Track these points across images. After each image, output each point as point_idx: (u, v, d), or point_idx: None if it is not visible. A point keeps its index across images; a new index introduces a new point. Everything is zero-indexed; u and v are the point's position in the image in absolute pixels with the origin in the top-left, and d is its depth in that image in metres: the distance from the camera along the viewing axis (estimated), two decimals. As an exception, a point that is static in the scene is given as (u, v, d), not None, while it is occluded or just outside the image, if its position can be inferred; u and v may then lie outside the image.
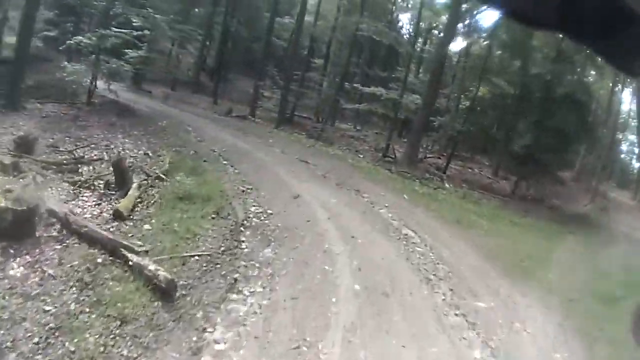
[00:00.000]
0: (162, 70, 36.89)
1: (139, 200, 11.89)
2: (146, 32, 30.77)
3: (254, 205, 13.31)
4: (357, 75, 34.40)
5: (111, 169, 13.95)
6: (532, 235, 17.22)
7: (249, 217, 12.27)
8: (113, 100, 24.93)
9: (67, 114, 22.27)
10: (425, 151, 28.62)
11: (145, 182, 13.27)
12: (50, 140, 18.50)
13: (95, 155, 17.05)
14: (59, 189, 13.78)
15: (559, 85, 23.97)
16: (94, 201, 12.76)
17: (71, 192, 13.57)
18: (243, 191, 14.41)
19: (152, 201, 12.01)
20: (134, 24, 29.34)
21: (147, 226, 10.61)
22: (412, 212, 16.02)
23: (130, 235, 10.16)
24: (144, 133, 20.01)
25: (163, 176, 13.75)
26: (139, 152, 17.40)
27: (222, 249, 9.90)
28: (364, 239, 12.09)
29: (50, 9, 32.90)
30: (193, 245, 9.69)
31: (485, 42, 31.30)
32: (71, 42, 24.26)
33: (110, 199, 12.63)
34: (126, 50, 30.63)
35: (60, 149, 17.54)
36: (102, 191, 13.01)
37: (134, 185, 12.51)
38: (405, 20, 41.19)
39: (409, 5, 38.97)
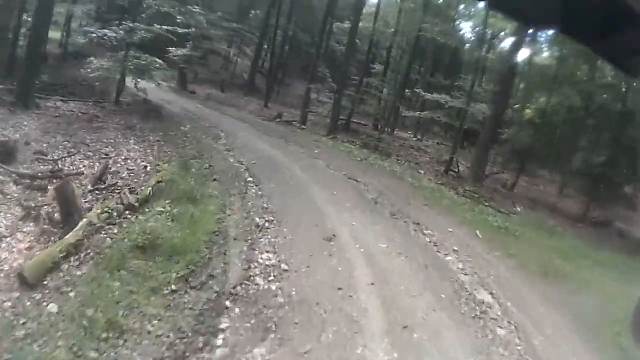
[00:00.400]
0: (215, 71, 33.16)
1: (73, 250, 7.13)
2: (191, 30, 27.19)
3: (265, 252, 8.49)
4: (418, 82, 31.70)
5: (76, 191, 9.40)
6: (624, 282, 11.09)
7: (248, 279, 7.37)
8: (144, 100, 20.97)
9: (86, 113, 18.41)
10: (490, 165, 23.16)
11: (107, 213, 8.57)
12: (45, 144, 14.58)
13: (83, 167, 12.78)
14: (8, 215, 9.56)
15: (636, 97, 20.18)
16: (28, 241, 8.33)
17: (17, 221, 9.29)
18: (258, 226, 9.61)
19: (92, 254, 7.26)
20: (177, 20, 25.80)
21: (52, 307, 5.88)
22: (488, 260, 10.48)
23: (11, 326, 5.41)
24: (160, 139, 15.74)
25: (136, 205, 9.01)
26: (140, 165, 13.06)
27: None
28: (424, 328, 6.89)
29: (97, 5, 29.91)
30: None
31: (550, 50, 27.39)
32: (94, 34, 20.52)
33: (48, 239, 8.12)
34: (169, 48, 27.19)
35: (48, 157, 13.38)
36: (44, 226, 8.49)
37: (82, 223, 7.88)
38: (467, 29, 36.35)
39: (471, 13, 33.50)
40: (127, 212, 9.31)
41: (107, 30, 19.75)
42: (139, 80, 20.28)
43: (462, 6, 31.75)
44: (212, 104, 24.51)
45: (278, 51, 34.41)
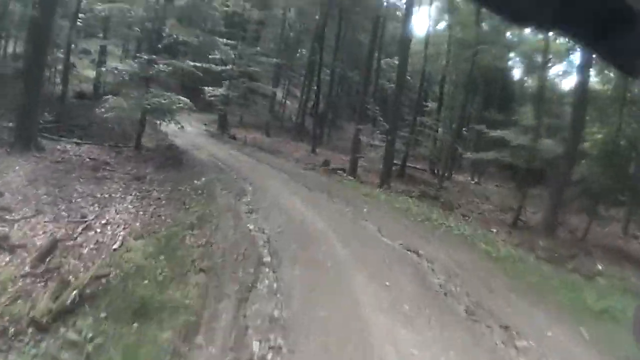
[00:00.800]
0: (262, 114, 29.74)
1: None
2: (227, 67, 23.93)
3: None
4: (472, 118, 28.12)
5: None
6: None
7: None
8: (169, 146, 17.47)
9: (96, 159, 15.05)
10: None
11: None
12: (20, 197, 11.05)
13: (43, 233, 8.94)
14: None
15: None
16: None
17: None
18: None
19: None
20: (212, 56, 22.61)
21: None
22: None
23: None
24: (165, 195, 11.97)
25: (44, 322, 4.89)
26: (117, 235, 8.96)
27: None
28: None
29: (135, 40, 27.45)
30: None
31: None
32: (102, 69, 17.49)
33: None
34: (205, 88, 23.98)
35: (11, 215, 9.70)
36: None
37: None
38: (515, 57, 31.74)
39: (519, 40, 29.02)
40: (29, 329, 5.15)
41: (119, 65, 16.51)
42: (158, 122, 16.73)
43: (508, 33, 27.25)
44: (250, 150, 20.76)
45: (326, 91, 30.46)
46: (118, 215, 10.47)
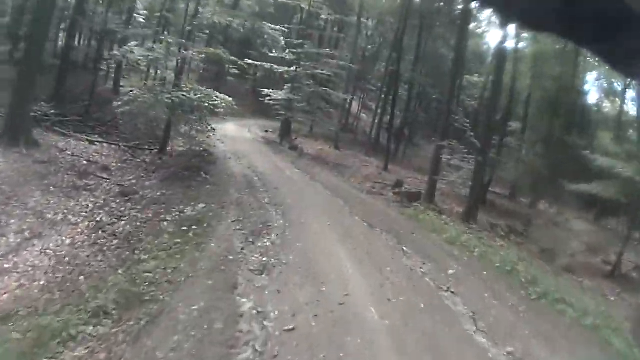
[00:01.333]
0: (330, 124, 24.60)
1: None
2: (293, 69, 19.14)
3: None
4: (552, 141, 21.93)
5: None
6: None
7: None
8: (202, 152, 12.87)
9: (94, 163, 10.72)
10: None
11: None
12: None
13: None
14: None
15: None
16: None
17: None
18: None
19: None
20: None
21: None
22: None
23: None
24: (130, 229, 7.06)
25: None
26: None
27: None
28: None
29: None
30: None
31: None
32: (116, 53, 13.28)
33: None
34: (264, 90, 19.30)
35: None
36: None
37: None
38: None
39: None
40: None
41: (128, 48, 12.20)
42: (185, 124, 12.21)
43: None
44: (307, 163, 15.61)
45: (403, 106, 25.61)
46: (36, 257, 5.69)
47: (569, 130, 21.64)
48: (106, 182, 9.58)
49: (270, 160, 14.40)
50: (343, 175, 16.07)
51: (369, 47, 31.97)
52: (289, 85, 19.19)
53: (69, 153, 10.97)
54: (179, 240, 6.28)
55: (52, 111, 13.48)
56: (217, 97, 12.40)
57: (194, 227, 6.86)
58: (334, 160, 19.04)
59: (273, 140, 19.35)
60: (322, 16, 23.69)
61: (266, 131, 21.83)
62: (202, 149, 13.17)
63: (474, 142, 15.89)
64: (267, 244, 6.79)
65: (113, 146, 12.43)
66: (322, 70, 20.44)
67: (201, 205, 7.97)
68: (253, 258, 6.20)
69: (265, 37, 21.51)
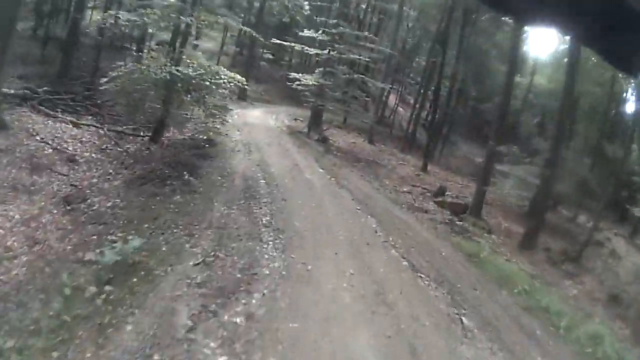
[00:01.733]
0: (365, 115, 21.19)
1: None
2: (326, 51, 15.77)
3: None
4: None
5: None
6: None
7: None
8: (202, 143, 9.81)
9: (61, 152, 7.58)
10: None
11: None
12: None
13: None
14: None
15: None
16: None
17: None
18: None
19: None
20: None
21: None
22: None
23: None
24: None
25: None
26: None
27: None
28: None
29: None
30: None
31: None
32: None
33: None
34: (292, 74, 16.05)
35: None
36: None
37: None
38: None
39: None
40: None
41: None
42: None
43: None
44: (335, 161, 12.35)
45: (443, 101, 21.98)
46: None
47: (611, 140, 19.91)
48: (61, 179, 6.71)
49: (290, 155, 11.19)
50: (376, 176, 12.81)
51: (409, 39, 28.05)
52: (320, 69, 15.87)
53: (39, 138, 8.17)
54: (75, 314, 3.26)
55: (44, 88, 10.84)
56: (225, 75, 9.30)
57: (120, 280, 3.82)
58: (367, 156, 15.76)
59: (300, 130, 16.14)
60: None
61: (295, 119, 18.64)
62: (206, 137, 10.16)
63: (536, 150, 12.41)
64: (239, 321, 3.65)
65: (100, 131, 9.59)
66: (359, 55, 16.98)
67: (158, 232, 4.91)
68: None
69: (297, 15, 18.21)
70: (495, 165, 14.53)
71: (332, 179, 9.97)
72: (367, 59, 17.74)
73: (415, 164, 16.94)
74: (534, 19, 0.86)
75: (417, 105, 22.07)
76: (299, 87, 15.81)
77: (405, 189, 12.45)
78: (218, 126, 10.27)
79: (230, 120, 14.55)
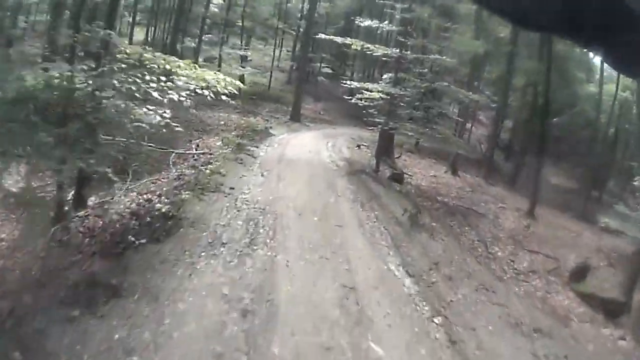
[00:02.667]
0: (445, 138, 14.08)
1: None
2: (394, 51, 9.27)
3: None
4: None
5: None
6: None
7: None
8: (152, 225, 3.44)
9: None
10: None
11: None
12: None
13: None
14: None
15: None
16: None
17: None
18: None
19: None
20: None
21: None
22: None
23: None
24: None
25: None
26: None
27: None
28: None
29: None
30: None
31: None
32: None
33: None
34: (347, 82, 9.76)
35: None
36: None
37: None
38: None
39: None
40: None
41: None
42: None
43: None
44: (427, 238, 5.73)
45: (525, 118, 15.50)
46: None
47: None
48: None
49: (341, 244, 4.78)
50: (481, 239, 6.40)
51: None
52: (390, 74, 9.52)
53: None
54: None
55: None
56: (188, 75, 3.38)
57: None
58: (458, 200, 9.30)
59: (364, 166, 9.73)
60: None
61: (358, 146, 12.25)
62: (165, 210, 4.26)
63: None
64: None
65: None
66: (439, 54, 10.30)
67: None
68: None
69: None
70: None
71: (437, 326, 3.55)
72: (450, 60, 11.11)
73: (515, 204, 10.42)
74: (533, 23, 0.74)
75: (500, 123, 15.06)
76: (362, 103, 9.52)
77: (523, 265, 6.80)
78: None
79: (263, 153, 8.64)
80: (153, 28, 17.75)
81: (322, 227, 4.92)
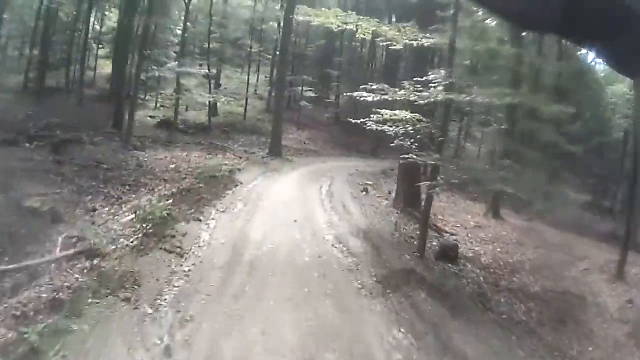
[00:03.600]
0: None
1: None
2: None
3: None
4: None
5: None
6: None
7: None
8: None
9: None
10: None
11: None
12: None
13: None
14: None
15: None
16: None
17: None
18: None
19: None
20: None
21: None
22: None
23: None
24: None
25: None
26: None
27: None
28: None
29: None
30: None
31: None
32: None
33: None
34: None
35: None
36: None
37: None
38: None
39: None
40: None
41: None
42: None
43: None
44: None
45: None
46: None
47: None
48: None
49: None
50: None
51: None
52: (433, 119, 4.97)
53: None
54: None
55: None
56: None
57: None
58: (537, 276, 4.40)
59: (391, 238, 4.95)
60: None
61: (364, 190, 7.36)
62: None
63: None
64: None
65: None
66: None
67: None
68: None
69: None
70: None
71: None
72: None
73: (585, 253, 6.51)
74: (533, 23, 0.66)
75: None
76: (379, 127, 4.86)
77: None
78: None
79: (206, 235, 3.68)
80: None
81: None
